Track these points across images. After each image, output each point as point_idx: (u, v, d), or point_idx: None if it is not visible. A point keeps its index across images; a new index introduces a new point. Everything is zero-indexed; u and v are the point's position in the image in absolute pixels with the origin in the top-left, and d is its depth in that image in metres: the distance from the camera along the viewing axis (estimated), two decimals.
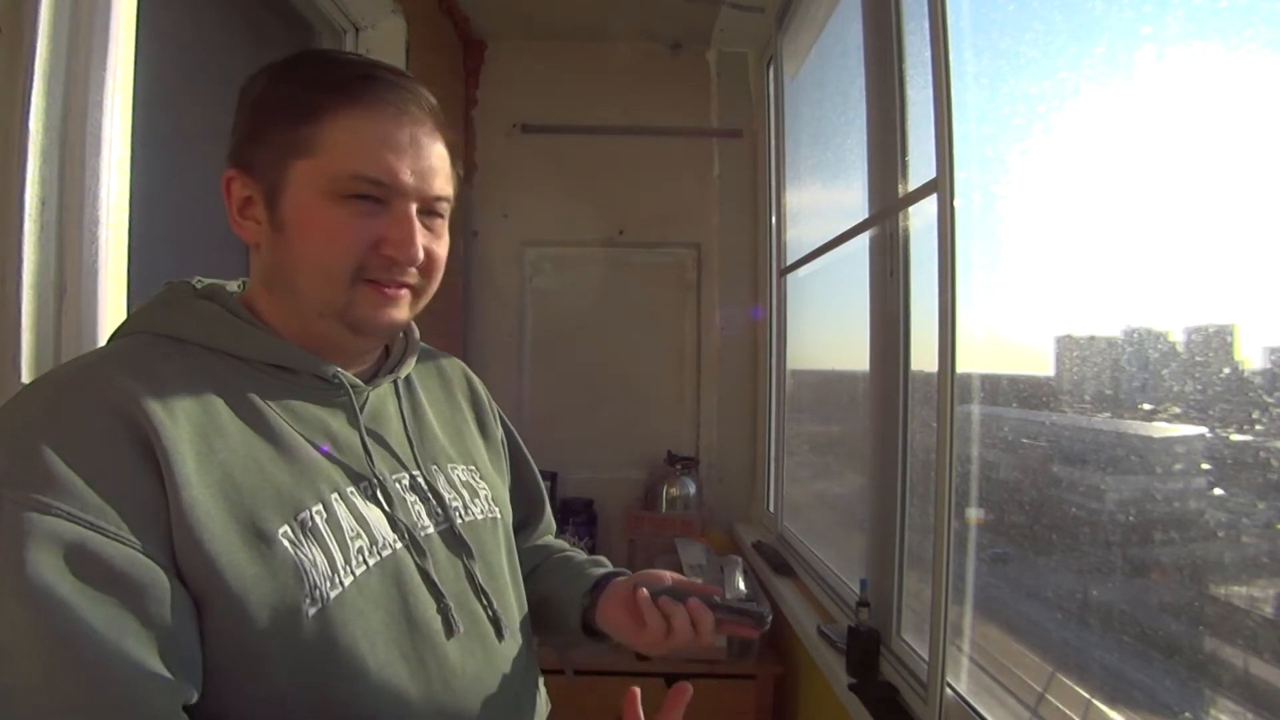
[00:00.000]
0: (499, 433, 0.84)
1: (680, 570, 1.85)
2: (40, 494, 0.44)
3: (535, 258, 2.51)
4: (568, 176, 2.47)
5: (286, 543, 0.52)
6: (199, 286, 0.62)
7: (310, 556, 0.53)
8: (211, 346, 0.57)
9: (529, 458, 0.88)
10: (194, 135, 1.31)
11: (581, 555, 0.88)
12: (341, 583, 0.54)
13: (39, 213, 0.67)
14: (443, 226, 0.63)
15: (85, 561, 0.44)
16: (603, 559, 0.87)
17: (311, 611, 0.52)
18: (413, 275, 0.61)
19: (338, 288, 0.58)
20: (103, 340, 0.71)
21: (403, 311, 0.62)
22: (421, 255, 0.59)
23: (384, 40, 1.77)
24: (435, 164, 0.60)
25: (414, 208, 0.59)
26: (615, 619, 0.74)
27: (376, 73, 0.59)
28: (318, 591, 0.52)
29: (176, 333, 0.57)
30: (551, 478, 2.36)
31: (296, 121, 0.57)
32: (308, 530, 0.53)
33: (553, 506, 2.62)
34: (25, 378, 0.66)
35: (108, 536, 0.45)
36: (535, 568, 0.85)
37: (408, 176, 0.58)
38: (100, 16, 0.71)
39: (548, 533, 0.94)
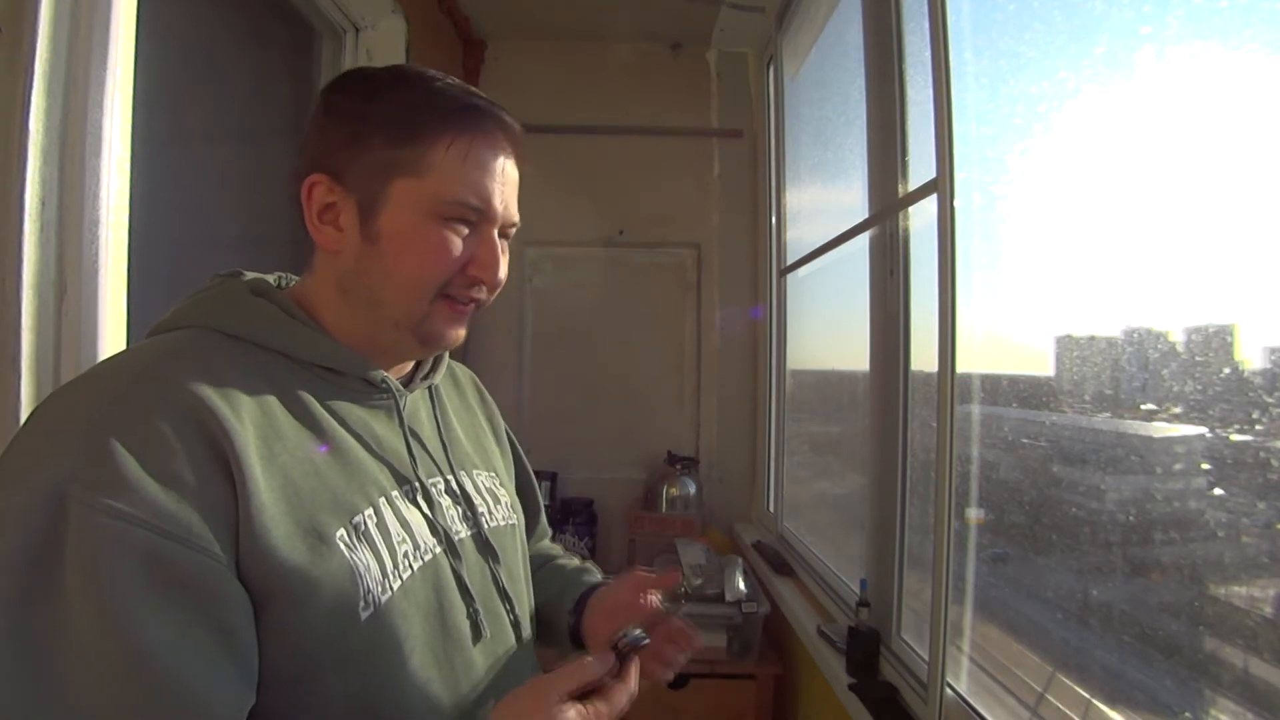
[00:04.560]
0: (506, 433, 0.87)
1: (680, 570, 1.85)
2: (113, 498, 0.44)
3: (535, 258, 2.51)
4: (568, 176, 2.47)
5: (343, 546, 0.52)
6: (246, 281, 0.62)
7: (364, 561, 0.53)
8: (265, 345, 0.57)
9: (527, 464, 0.90)
10: (194, 135, 1.32)
11: (573, 563, 0.90)
12: (390, 587, 0.55)
13: (39, 213, 0.67)
14: (507, 247, 0.66)
15: (158, 570, 0.44)
16: (590, 567, 0.89)
17: (364, 616, 0.52)
18: (483, 292, 0.63)
19: (422, 301, 0.60)
20: (103, 340, 0.71)
21: (464, 329, 0.64)
22: (503, 278, 0.63)
23: (384, 40, 1.77)
24: (515, 193, 0.64)
25: (496, 232, 0.62)
26: (594, 636, 0.78)
27: (478, 101, 0.61)
28: (370, 596, 0.53)
29: (232, 330, 0.57)
30: (551, 478, 2.36)
31: (402, 141, 0.58)
32: (361, 534, 0.54)
33: (552, 506, 2.61)
34: (25, 378, 0.66)
35: (180, 543, 0.45)
36: (539, 568, 0.86)
37: (499, 204, 0.61)
38: (100, 16, 0.71)
39: (544, 537, 0.95)
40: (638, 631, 0.62)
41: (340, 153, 0.59)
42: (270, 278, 0.65)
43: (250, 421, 0.51)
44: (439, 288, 0.60)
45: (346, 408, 0.60)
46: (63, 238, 0.69)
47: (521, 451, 0.89)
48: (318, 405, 0.57)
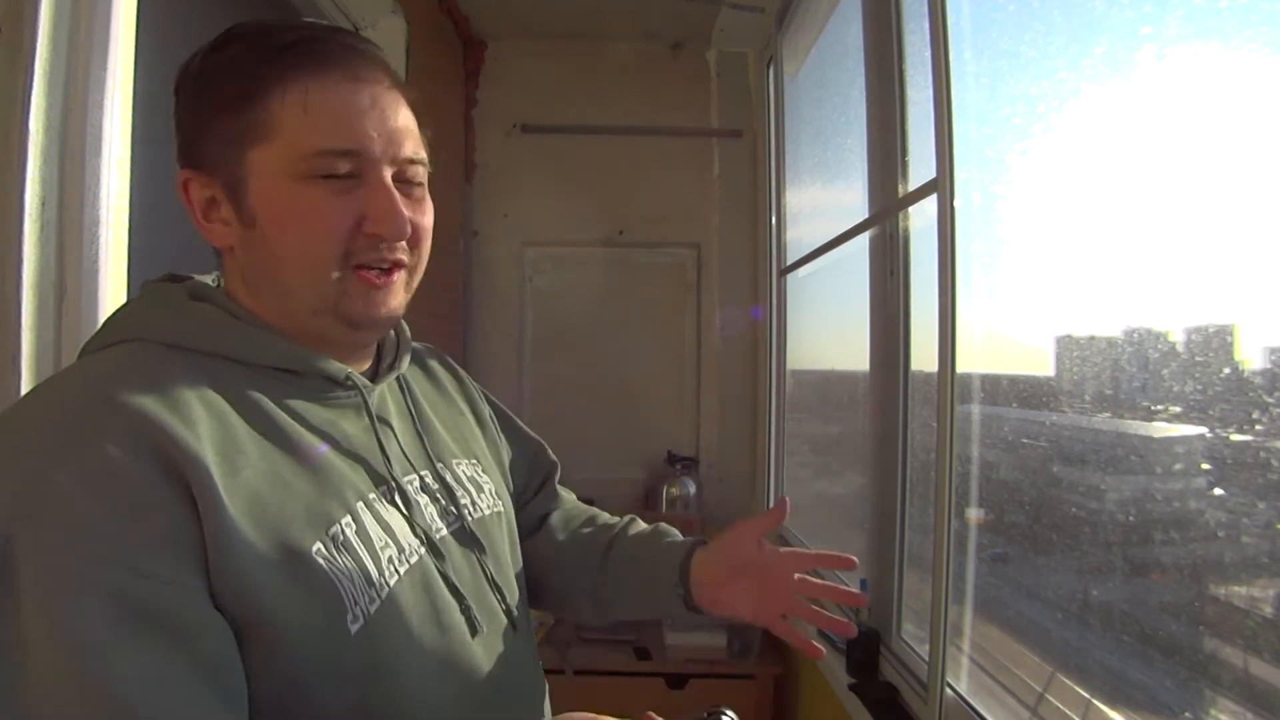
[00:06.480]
0: (487, 412, 0.82)
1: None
2: (66, 536, 0.40)
3: (535, 258, 2.51)
4: (568, 176, 2.46)
5: (321, 560, 0.49)
6: (184, 285, 0.57)
7: (347, 572, 0.50)
8: (213, 353, 0.53)
9: (519, 422, 0.86)
10: None
11: (638, 526, 0.85)
12: (379, 595, 0.52)
13: (39, 213, 0.67)
14: (424, 194, 0.58)
15: (122, 608, 0.40)
16: (665, 528, 0.84)
17: (354, 629, 0.49)
18: (403, 251, 0.56)
19: (326, 279, 0.54)
20: None
21: (397, 297, 0.58)
22: (409, 228, 0.55)
23: (384, 40, 1.77)
24: (403, 125, 0.56)
25: (389, 175, 0.54)
26: (729, 602, 0.75)
27: (316, 33, 0.54)
28: (358, 608, 0.50)
29: (175, 339, 0.52)
30: None
31: (240, 106, 0.52)
32: (340, 544, 0.51)
33: None
34: (25, 377, 0.66)
35: (144, 577, 0.41)
36: (609, 548, 0.82)
37: (376, 141, 0.53)
38: (100, 16, 0.71)
39: (563, 495, 0.91)
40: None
41: (195, 139, 0.54)
42: (209, 278, 0.61)
43: (208, 438, 0.47)
44: (338, 259, 0.53)
45: (310, 409, 0.55)
46: (63, 238, 0.69)
47: (514, 417, 0.84)
48: (279, 412, 0.53)
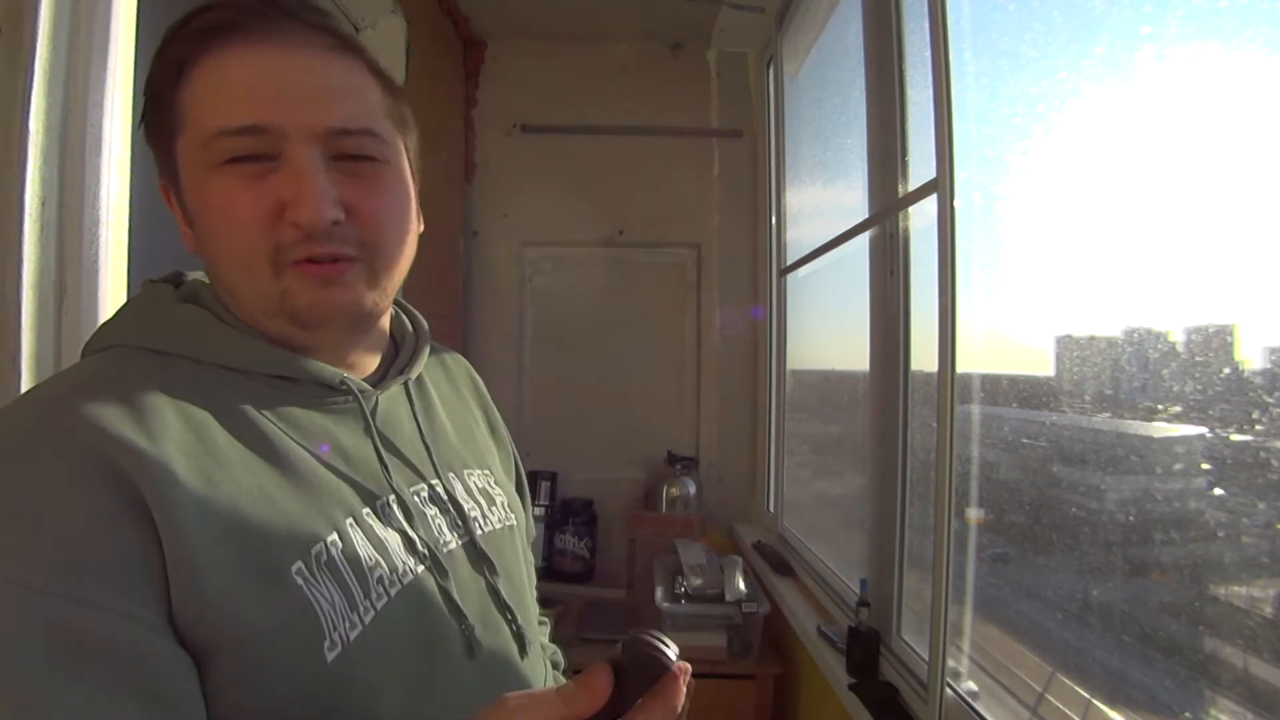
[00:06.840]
0: (506, 432, 0.80)
1: (680, 570, 1.85)
2: (3, 564, 0.38)
3: (535, 258, 2.51)
4: (568, 176, 2.47)
5: (300, 581, 0.45)
6: (178, 287, 0.55)
7: (327, 595, 0.46)
8: (199, 358, 0.50)
9: (521, 468, 0.84)
10: None
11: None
12: (362, 620, 0.48)
13: (39, 213, 0.67)
14: (377, 171, 0.51)
15: (62, 640, 0.38)
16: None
17: (331, 656, 0.45)
18: (345, 243, 0.49)
19: (262, 277, 0.48)
20: None
21: (353, 290, 0.51)
22: (333, 212, 0.47)
23: (384, 40, 1.77)
24: (335, 90, 0.49)
25: (314, 152, 0.48)
26: None
27: (228, 14, 0.48)
28: (337, 634, 0.46)
29: (161, 345, 0.50)
30: (551, 478, 2.36)
31: (164, 98, 0.49)
32: (322, 565, 0.47)
33: (553, 506, 2.56)
34: (25, 378, 0.66)
35: (86, 606, 0.38)
36: None
37: (289, 112, 0.47)
38: (100, 16, 0.71)
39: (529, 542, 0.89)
40: (662, 646, 0.42)
41: (152, 145, 0.52)
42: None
43: (182, 452, 0.44)
44: (267, 255, 0.48)
45: (307, 417, 0.52)
46: (63, 238, 0.69)
47: (517, 454, 0.83)
48: (267, 421, 0.50)
